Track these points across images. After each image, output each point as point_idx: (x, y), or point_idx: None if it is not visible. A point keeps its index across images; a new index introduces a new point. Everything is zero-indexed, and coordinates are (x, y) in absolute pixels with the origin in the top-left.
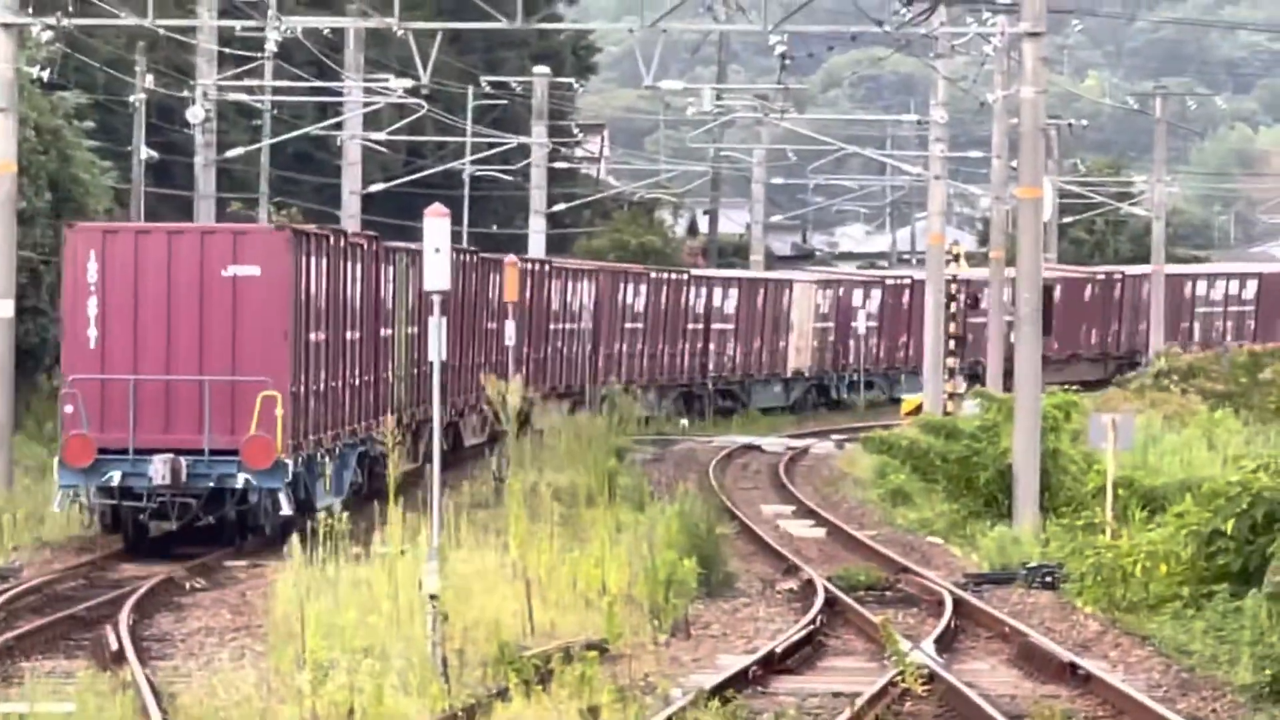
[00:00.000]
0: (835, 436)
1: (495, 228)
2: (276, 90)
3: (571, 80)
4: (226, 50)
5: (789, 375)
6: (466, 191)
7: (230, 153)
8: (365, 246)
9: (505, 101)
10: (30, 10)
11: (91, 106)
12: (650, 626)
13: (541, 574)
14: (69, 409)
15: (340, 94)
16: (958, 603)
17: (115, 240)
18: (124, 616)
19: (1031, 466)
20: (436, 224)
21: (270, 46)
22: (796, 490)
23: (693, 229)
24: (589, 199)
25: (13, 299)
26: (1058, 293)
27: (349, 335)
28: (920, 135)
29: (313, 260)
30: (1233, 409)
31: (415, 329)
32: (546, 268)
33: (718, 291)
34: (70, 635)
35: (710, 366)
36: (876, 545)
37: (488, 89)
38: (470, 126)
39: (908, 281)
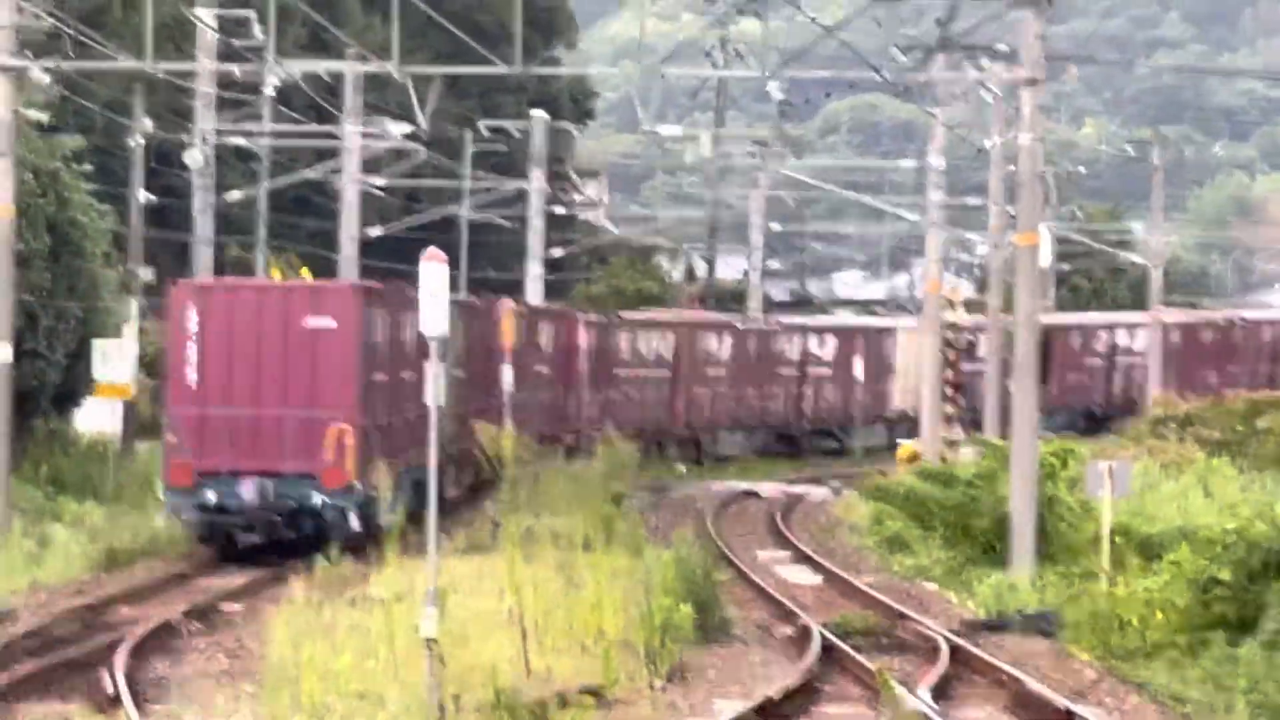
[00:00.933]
0: (833, 482)
1: (492, 273)
2: (274, 134)
3: (569, 125)
4: (225, 94)
5: (892, 415)
6: (464, 236)
7: (228, 195)
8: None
9: (503, 146)
10: (29, 54)
11: (90, 149)
12: (646, 671)
13: (539, 618)
14: (172, 438)
15: (338, 138)
16: (954, 650)
17: (212, 295)
18: (120, 660)
19: (1028, 513)
20: (433, 269)
21: (268, 90)
22: (793, 536)
23: (690, 275)
24: (587, 245)
25: (10, 342)
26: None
27: (404, 375)
28: (918, 181)
29: (376, 312)
30: (1229, 457)
31: (462, 372)
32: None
33: (813, 339)
34: (66, 678)
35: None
36: (873, 592)
37: (486, 133)
38: (468, 171)
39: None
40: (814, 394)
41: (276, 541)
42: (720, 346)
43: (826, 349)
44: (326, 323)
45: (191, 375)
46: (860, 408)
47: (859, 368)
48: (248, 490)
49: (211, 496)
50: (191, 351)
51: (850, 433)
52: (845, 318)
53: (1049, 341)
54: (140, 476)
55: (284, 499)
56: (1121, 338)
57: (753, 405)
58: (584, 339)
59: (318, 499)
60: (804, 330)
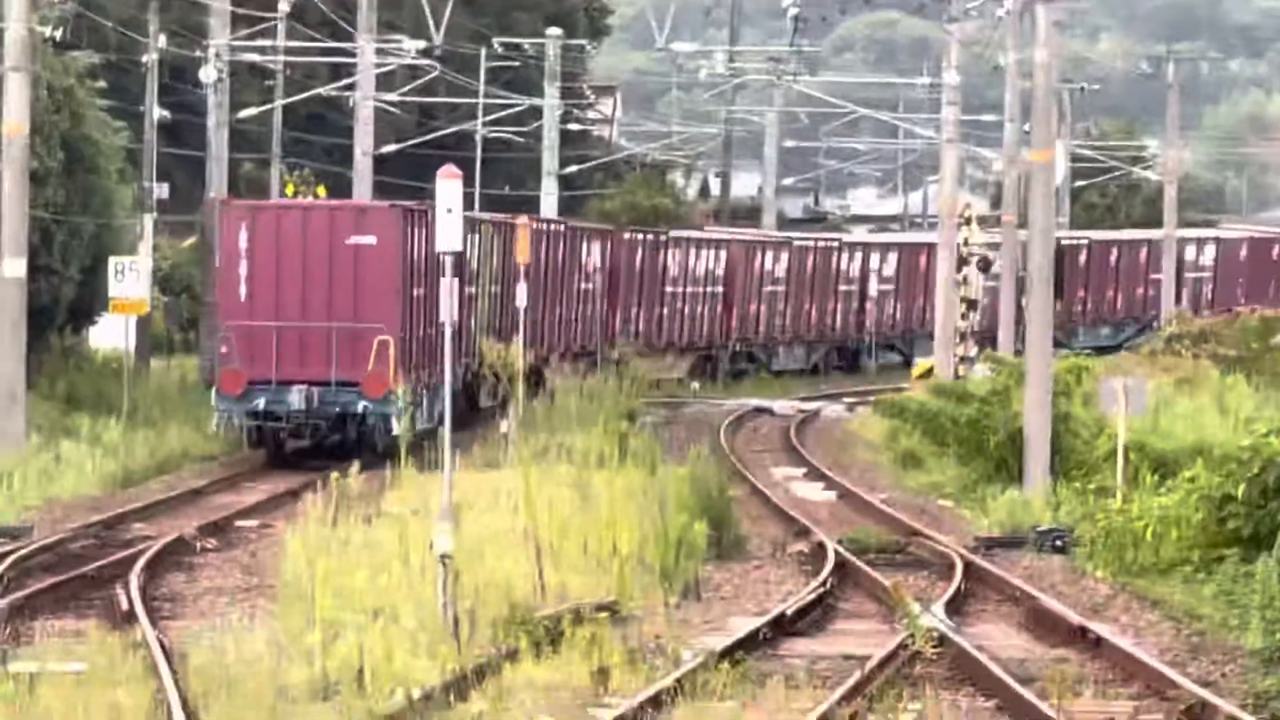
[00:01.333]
0: (847, 400)
1: (507, 189)
2: (289, 51)
3: (584, 42)
4: (239, 10)
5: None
6: (479, 153)
7: (243, 113)
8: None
9: (518, 63)
10: None
11: (104, 66)
12: (661, 589)
13: (553, 535)
14: (224, 349)
15: (353, 55)
16: (968, 566)
17: (261, 215)
18: (135, 576)
19: (1042, 431)
20: (448, 185)
21: (283, 7)
22: (808, 454)
23: (705, 191)
24: (601, 161)
25: (24, 258)
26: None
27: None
28: (933, 99)
29: (415, 230)
30: (1244, 374)
31: (498, 288)
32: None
33: (875, 256)
34: (81, 594)
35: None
36: (887, 508)
37: (500, 50)
38: (482, 88)
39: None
40: (876, 309)
41: (320, 446)
42: (777, 264)
43: (888, 265)
44: (369, 240)
45: (242, 290)
46: (921, 322)
47: (922, 283)
48: (295, 398)
49: (261, 403)
50: (242, 268)
51: (913, 344)
52: (909, 235)
53: (1116, 258)
54: (155, 393)
55: (329, 406)
56: (1190, 253)
57: (812, 321)
58: (628, 256)
59: (361, 405)
60: (865, 246)
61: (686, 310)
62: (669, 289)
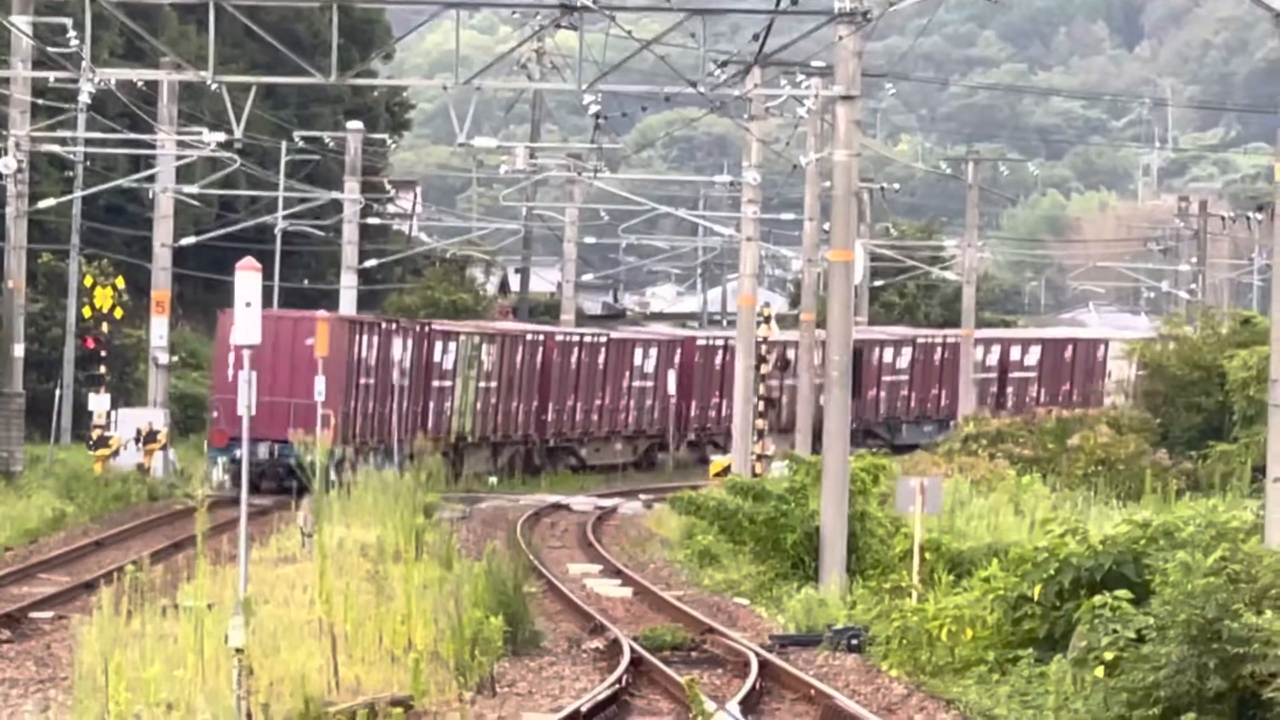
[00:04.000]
0: (643, 496)
1: (307, 282)
2: (89, 142)
3: (385, 136)
4: (40, 101)
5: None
6: (278, 246)
7: (42, 204)
8: (417, 330)
9: (318, 156)
10: None
11: None
12: (456, 683)
13: (349, 628)
14: (215, 414)
15: (153, 146)
16: (763, 664)
17: None
18: None
19: (839, 529)
20: (247, 278)
21: (84, 98)
22: (604, 550)
23: (504, 287)
24: (401, 255)
25: None
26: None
27: (367, 381)
28: (733, 196)
29: (362, 338)
30: (1041, 474)
31: (494, 384)
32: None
33: (1015, 349)
34: None
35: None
36: (683, 606)
37: (301, 144)
38: (283, 181)
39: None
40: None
41: (282, 484)
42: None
43: (1030, 356)
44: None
45: (229, 373)
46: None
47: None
48: (263, 450)
49: (238, 453)
50: (230, 357)
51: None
52: (1056, 330)
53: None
54: None
55: (286, 458)
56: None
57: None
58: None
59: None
60: (1005, 341)
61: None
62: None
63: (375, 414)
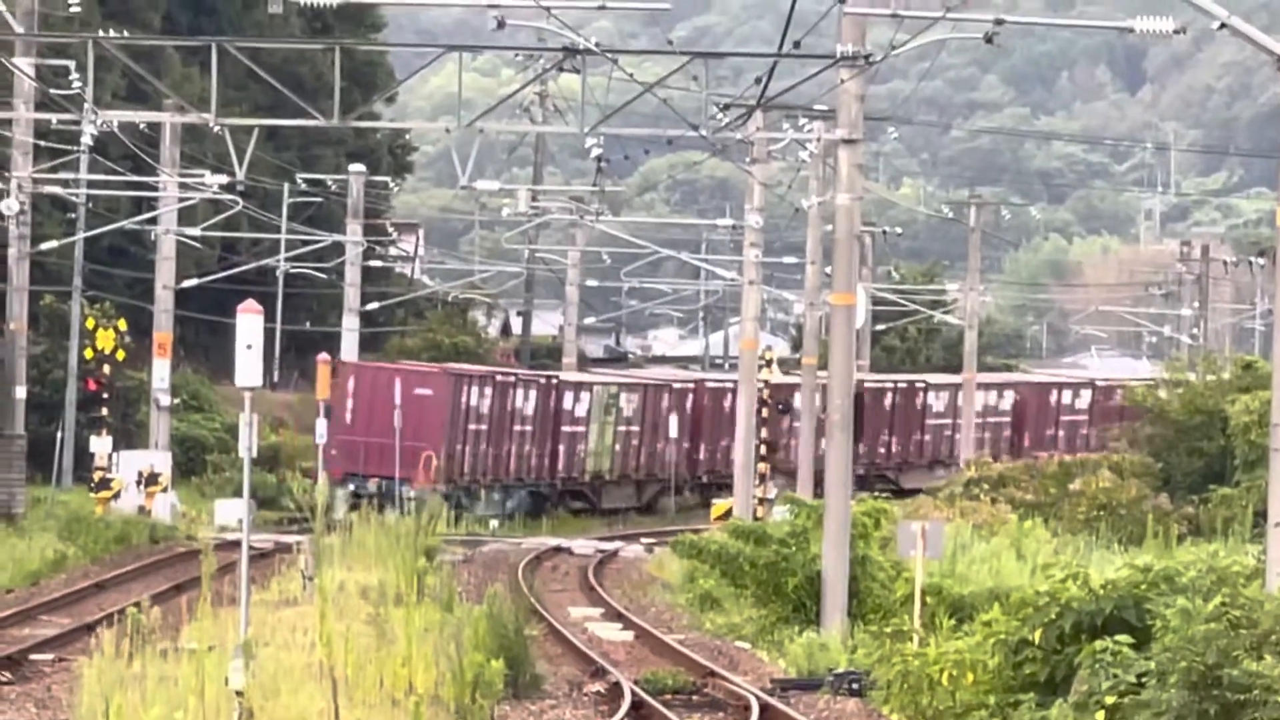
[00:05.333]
0: (645, 540)
1: (308, 325)
2: (92, 184)
3: (387, 179)
4: (42, 143)
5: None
6: (280, 288)
7: (44, 245)
8: (543, 382)
9: (320, 199)
10: None
11: None
12: None
13: (350, 672)
14: (333, 451)
15: (155, 188)
16: (764, 708)
17: (361, 370)
18: None
19: (840, 573)
20: (249, 320)
21: (86, 140)
22: (605, 593)
23: (506, 329)
24: (403, 298)
25: None
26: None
27: (516, 428)
28: (735, 240)
29: (471, 389)
30: (1042, 519)
31: (636, 427)
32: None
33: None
34: None
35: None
36: (684, 649)
37: (303, 186)
38: (285, 223)
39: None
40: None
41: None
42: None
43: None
44: (428, 392)
45: (347, 417)
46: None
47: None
48: (371, 485)
49: (352, 487)
50: (348, 403)
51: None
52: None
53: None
54: None
55: (391, 491)
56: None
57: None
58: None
59: (413, 494)
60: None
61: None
62: (623, 428)
63: (488, 455)
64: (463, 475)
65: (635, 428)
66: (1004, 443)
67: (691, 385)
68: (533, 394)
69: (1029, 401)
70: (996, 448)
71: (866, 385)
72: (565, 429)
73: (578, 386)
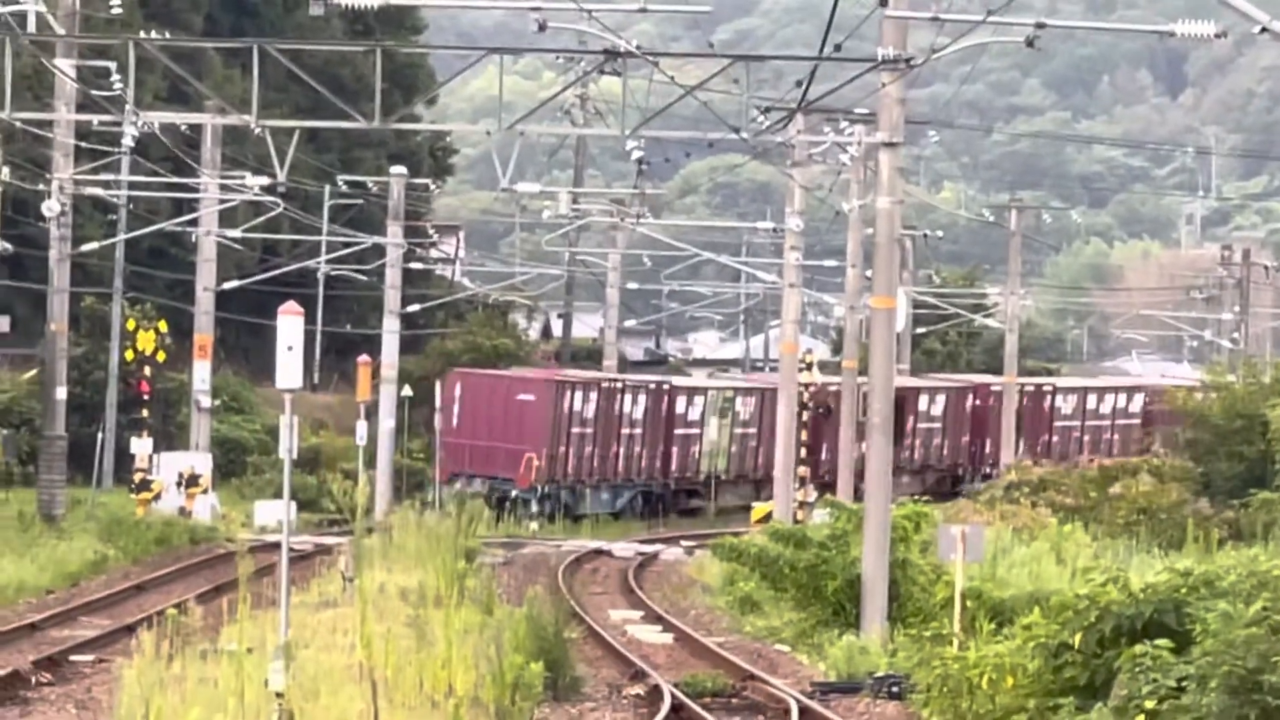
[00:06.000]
0: (685, 543)
1: (349, 327)
2: (132, 185)
3: (428, 181)
4: (83, 144)
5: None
6: (321, 290)
7: (85, 247)
8: (653, 388)
9: (361, 201)
10: None
11: None
12: None
13: (389, 673)
14: (441, 454)
15: (196, 190)
16: (804, 711)
17: (468, 377)
18: None
19: (880, 576)
20: (289, 322)
21: (127, 141)
22: (645, 596)
23: (546, 332)
24: (443, 300)
25: None
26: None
27: (624, 431)
28: (776, 243)
29: (575, 395)
30: (1082, 523)
31: (753, 429)
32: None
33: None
34: None
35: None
36: (724, 652)
37: (344, 188)
38: (325, 225)
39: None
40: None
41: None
42: (634, 406)
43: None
44: (530, 398)
45: (454, 421)
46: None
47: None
48: (478, 484)
49: (459, 484)
50: (455, 408)
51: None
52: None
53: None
54: None
55: (496, 491)
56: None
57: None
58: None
59: (514, 492)
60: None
61: (622, 450)
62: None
63: (594, 456)
64: (566, 475)
65: (752, 429)
66: (1134, 444)
67: (812, 388)
68: (642, 399)
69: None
70: (1126, 449)
71: (991, 388)
72: (678, 431)
73: (690, 391)
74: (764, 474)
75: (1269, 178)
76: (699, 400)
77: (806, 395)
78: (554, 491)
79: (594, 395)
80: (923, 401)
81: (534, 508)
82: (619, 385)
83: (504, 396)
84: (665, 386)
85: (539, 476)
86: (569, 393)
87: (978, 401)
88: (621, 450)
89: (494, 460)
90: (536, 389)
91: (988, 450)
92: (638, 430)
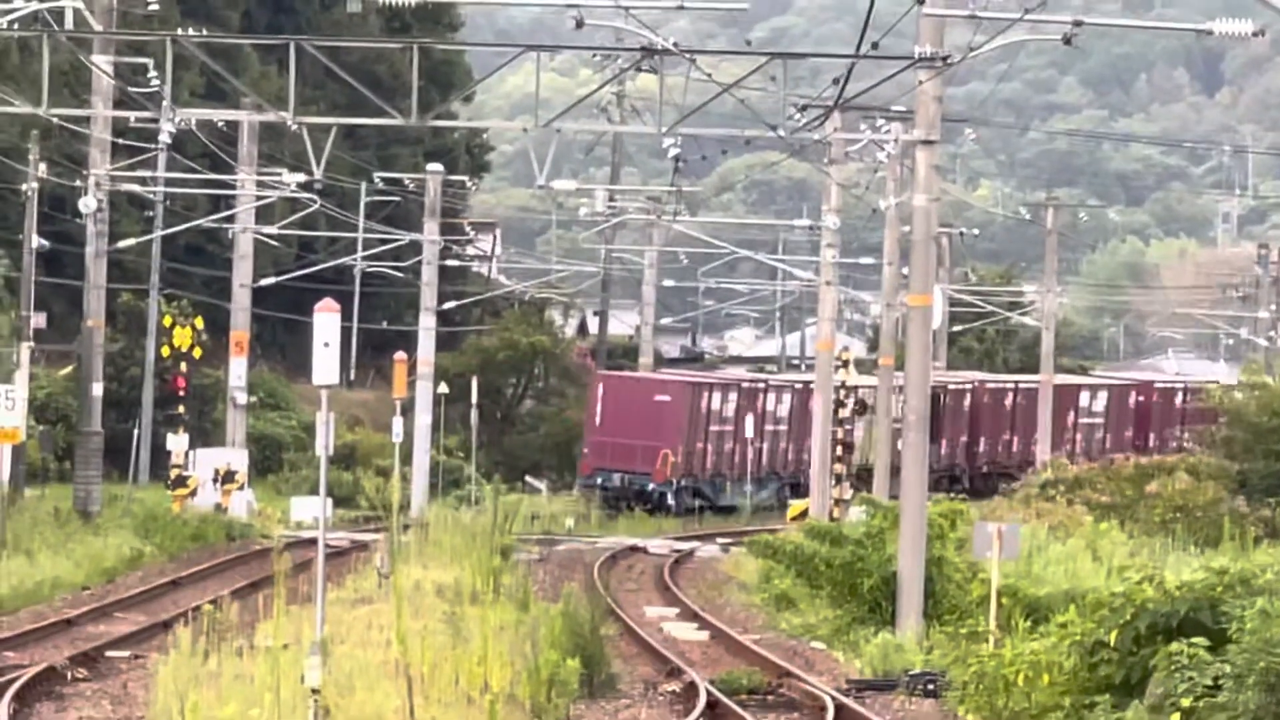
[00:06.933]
0: (721, 540)
1: (385, 324)
2: (169, 182)
3: (465, 178)
4: (120, 140)
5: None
6: (357, 287)
7: (122, 243)
8: (798, 388)
9: (398, 198)
10: None
11: None
12: None
13: (425, 670)
14: (585, 450)
15: (233, 186)
16: (840, 708)
17: (609, 379)
18: (4, 705)
19: (916, 574)
20: (326, 319)
21: (164, 138)
22: (681, 593)
23: (582, 329)
24: (480, 297)
25: None
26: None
27: (768, 428)
28: (812, 240)
29: (712, 396)
30: (1118, 520)
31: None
32: None
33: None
34: None
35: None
36: (760, 649)
37: (380, 185)
38: (362, 222)
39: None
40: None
41: (629, 505)
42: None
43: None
44: (667, 398)
45: (597, 420)
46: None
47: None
48: (617, 479)
49: (599, 480)
50: (598, 407)
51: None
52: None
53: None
54: (28, 522)
55: (635, 484)
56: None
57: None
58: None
59: (651, 486)
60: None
61: (765, 446)
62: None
63: (735, 452)
64: (705, 470)
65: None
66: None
67: (970, 386)
68: (786, 398)
69: None
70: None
71: (1155, 385)
72: None
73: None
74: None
75: None
76: (849, 401)
77: (842, 393)
78: (690, 485)
79: (733, 395)
80: (1084, 398)
81: (669, 500)
82: (761, 385)
83: (643, 397)
84: (811, 387)
85: (674, 471)
86: (706, 394)
87: (1140, 398)
88: (765, 445)
89: (632, 456)
90: (673, 390)
91: (1151, 443)
92: (782, 427)
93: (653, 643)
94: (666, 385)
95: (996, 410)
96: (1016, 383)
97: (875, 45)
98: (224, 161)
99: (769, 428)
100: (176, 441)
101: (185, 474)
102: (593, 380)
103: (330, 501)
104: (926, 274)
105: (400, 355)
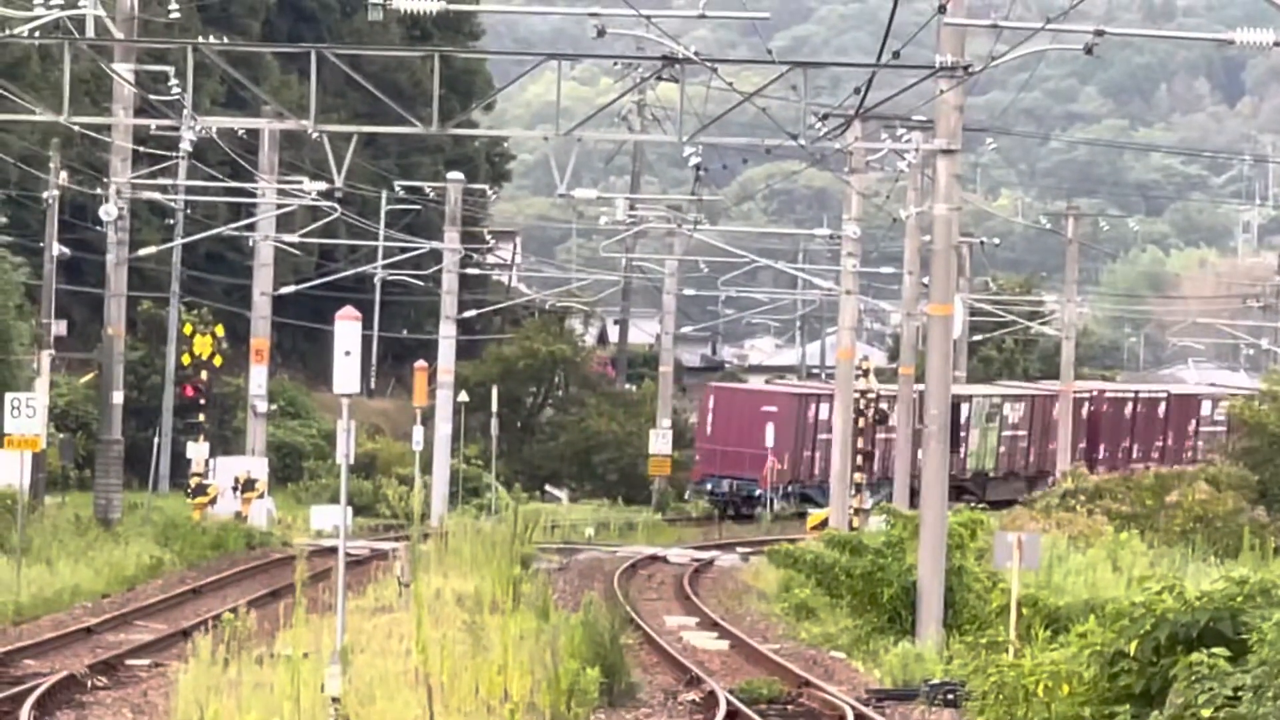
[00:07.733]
0: (741, 549)
1: (405, 332)
2: (190, 190)
3: (485, 187)
4: (141, 148)
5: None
6: (378, 295)
7: (143, 251)
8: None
9: (418, 206)
10: None
11: (3, 202)
12: None
13: (445, 679)
14: (697, 458)
15: (254, 194)
16: (859, 718)
17: (719, 390)
18: (25, 713)
19: (936, 583)
20: (347, 327)
21: (185, 146)
22: (701, 602)
23: (603, 338)
24: (500, 305)
25: None
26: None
27: (880, 435)
28: (833, 249)
29: (820, 406)
30: (1138, 531)
31: (1023, 431)
32: None
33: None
34: None
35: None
36: (779, 658)
37: (401, 193)
38: (383, 230)
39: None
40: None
41: (739, 511)
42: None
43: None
44: (774, 409)
45: (708, 430)
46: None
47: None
48: (725, 484)
49: (709, 486)
50: (709, 417)
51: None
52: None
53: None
54: (49, 530)
55: (742, 490)
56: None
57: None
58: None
59: (757, 491)
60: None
61: (878, 453)
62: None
63: None
64: (813, 476)
65: (1022, 431)
66: None
67: (1089, 394)
68: (899, 406)
69: None
70: None
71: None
72: None
73: (958, 399)
74: (1036, 470)
75: None
76: (964, 407)
77: (862, 403)
78: (798, 491)
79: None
80: (1205, 407)
81: (776, 505)
82: (874, 395)
83: (751, 408)
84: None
85: (779, 478)
86: (813, 405)
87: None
88: (877, 452)
89: (741, 463)
90: (779, 401)
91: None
92: (893, 435)
93: (672, 652)
94: (774, 397)
95: (1116, 420)
96: (1136, 392)
97: (896, 54)
98: (244, 169)
99: (881, 435)
100: (197, 450)
101: (205, 482)
102: (704, 392)
103: (350, 510)
104: (947, 283)
105: (420, 364)
